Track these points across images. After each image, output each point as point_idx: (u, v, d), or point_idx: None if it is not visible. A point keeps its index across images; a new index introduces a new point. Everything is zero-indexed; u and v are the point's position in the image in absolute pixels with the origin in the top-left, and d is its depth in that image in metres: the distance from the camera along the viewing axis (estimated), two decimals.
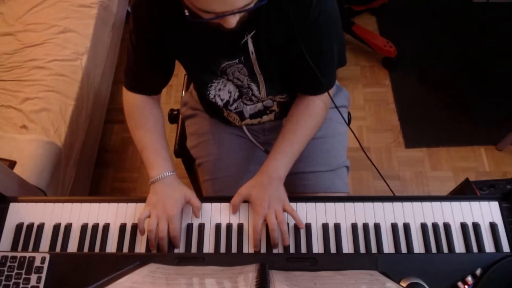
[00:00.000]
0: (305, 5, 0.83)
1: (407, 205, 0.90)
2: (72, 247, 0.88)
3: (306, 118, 0.98)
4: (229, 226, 0.89)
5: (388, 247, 0.86)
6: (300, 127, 0.97)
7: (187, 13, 0.72)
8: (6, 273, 0.81)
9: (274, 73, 0.97)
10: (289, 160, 0.95)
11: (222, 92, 1.03)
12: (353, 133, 1.10)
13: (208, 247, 0.88)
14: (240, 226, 0.89)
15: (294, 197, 0.92)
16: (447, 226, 0.87)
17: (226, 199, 0.93)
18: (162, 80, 1.03)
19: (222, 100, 1.05)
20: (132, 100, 1.01)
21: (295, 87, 1.02)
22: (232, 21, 0.73)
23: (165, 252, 0.86)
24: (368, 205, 0.90)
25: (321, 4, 0.83)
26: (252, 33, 0.87)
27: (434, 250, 0.85)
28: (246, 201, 0.92)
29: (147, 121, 0.99)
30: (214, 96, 1.04)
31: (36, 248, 0.87)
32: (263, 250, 0.87)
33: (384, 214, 0.89)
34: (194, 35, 0.88)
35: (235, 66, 0.94)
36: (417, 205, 0.90)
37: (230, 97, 1.05)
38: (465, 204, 0.89)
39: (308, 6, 0.83)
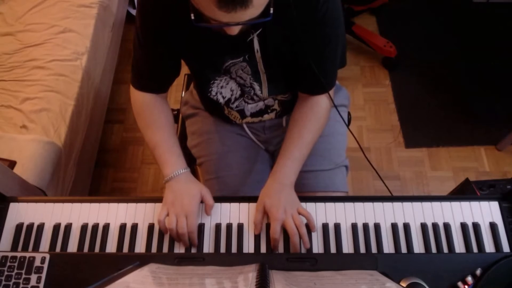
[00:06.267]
0: (312, 4, 0.83)
1: (407, 205, 0.90)
2: (72, 247, 0.88)
3: (313, 121, 0.98)
4: (229, 226, 0.89)
5: (388, 247, 0.86)
6: (307, 131, 0.98)
7: (193, 17, 0.72)
8: (6, 273, 0.81)
9: (278, 72, 0.98)
10: (298, 165, 0.96)
11: (224, 90, 1.03)
12: (352, 135, 1.10)
13: (208, 247, 0.88)
14: (240, 226, 0.89)
15: None
16: (447, 226, 0.87)
17: (226, 199, 0.94)
18: (170, 77, 1.02)
19: (224, 97, 1.05)
20: (140, 99, 1.01)
21: (298, 86, 1.02)
22: (236, 30, 0.75)
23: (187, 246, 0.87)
24: (368, 205, 0.90)
25: (327, 3, 0.84)
26: (258, 31, 0.87)
27: (434, 250, 0.85)
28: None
29: (156, 119, 0.99)
30: (216, 93, 1.04)
31: (36, 248, 0.87)
32: (263, 250, 0.87)
33: (384, 214, 0.89)
34: (200, 32, 0.88)
35: (239, 64, 0.94)
36: (417, 205, 0.89)
37: (232, 95, 1.05)
38: (465, 204, 0.89)
39: (315, 5, 0.83)
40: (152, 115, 1.00)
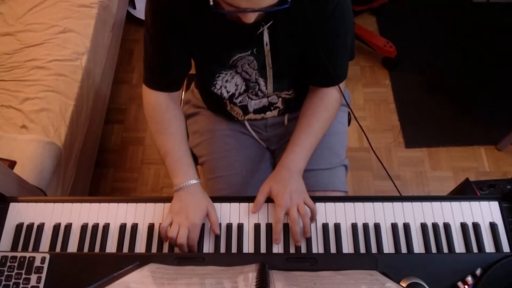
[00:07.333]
0: None
1: (407, 205, 0.90)
2: (72, 247, 0.88)
3: (322, 111, 0.99)
4: (229, 226, 0.89)
5: (388, 247, 0.86)
6: (316, 120, 0.98)
7: (211, 3, 0.73)
8: (6, 273, 0.81)
9: (285, 66, 0.98)
10: (307, 153, 0.96)
11: (228, 84, 1.03)
12: (361, 129, 1.11)
13: (208, 247, 0.88)
14: (240, 226, 0.89)
15: None
16: (447, 226, 0.87)
17: (226, 199, 0.94)
18: (181, 73, 1.02)
19: (228, 92, 1.05)
20: (153, 100, 1.00)
21: (308, 80, 1.02)
22: (252, 17, 0.76)
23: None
24: (368, 205, 0.90)
25: None
26: (268, 24, 0.87)
27: (434, 250, 0.85)
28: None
29: (169, 125, 0.98)
30: (221, 87, 1.04)
31: (36, 248, 0.87)
32: (263, 250, 0.87)
33: (384, 214, 0.89)
34: (210, 24, 0.88)
35: (246, 58, 0.95)
36: (417, 205, 0.90)
37: (236, 90, 1.05)
38: (465, 204, 0.89)
39: None
40: (165, 120, 0.99)
